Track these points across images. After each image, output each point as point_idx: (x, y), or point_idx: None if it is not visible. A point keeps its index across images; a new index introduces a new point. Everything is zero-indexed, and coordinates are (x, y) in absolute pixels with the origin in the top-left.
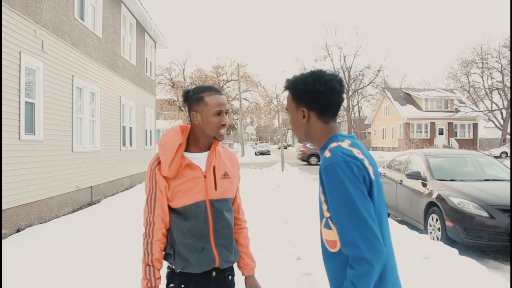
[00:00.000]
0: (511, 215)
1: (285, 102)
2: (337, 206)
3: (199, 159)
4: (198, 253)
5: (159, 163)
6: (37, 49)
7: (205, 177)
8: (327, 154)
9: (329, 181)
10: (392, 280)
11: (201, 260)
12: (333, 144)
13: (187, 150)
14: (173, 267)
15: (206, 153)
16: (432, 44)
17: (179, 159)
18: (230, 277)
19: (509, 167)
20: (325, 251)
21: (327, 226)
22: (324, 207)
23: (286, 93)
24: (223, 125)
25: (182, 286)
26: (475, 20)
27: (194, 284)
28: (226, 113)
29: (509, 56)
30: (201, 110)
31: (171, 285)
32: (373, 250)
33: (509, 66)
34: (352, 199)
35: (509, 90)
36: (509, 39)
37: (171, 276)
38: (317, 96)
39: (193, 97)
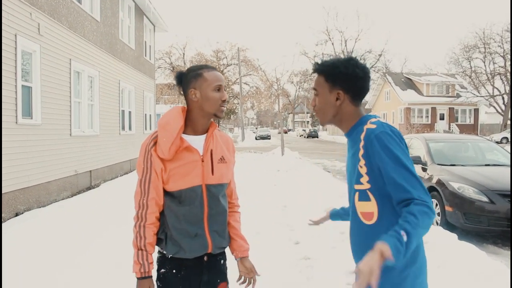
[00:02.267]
0: (511, 200)
1: (285, 87)
2: (391, 168)
3: (196, 141)
4: (191, 238)
5: (155, 143)
6: (34, 32)
7: (202, 161)
8: (371, 126)
9: (381, 148)
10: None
11: (194, 246)
12: (373, 119)
13: (184, 132)
14: (164, 252)
15: (204, 136)
16: (434, 28)
17: (178, 141)
18: (222, 261)
19: (510, 152)
20: (358, 226)
21: (365, 198)
22: (364, 179)
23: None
24: (224, 101)
25: (174, 271)
26: (478, 4)
27: (185, 268)
28: (225, 89)
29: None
30: (200, 86)
31: (162, 270)
32: (430, 200)
33: (511, 51)
34: (402, 161)
35: (511, 76)
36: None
37: (162, 261)
38: (355, 80)
39: (190, 75)
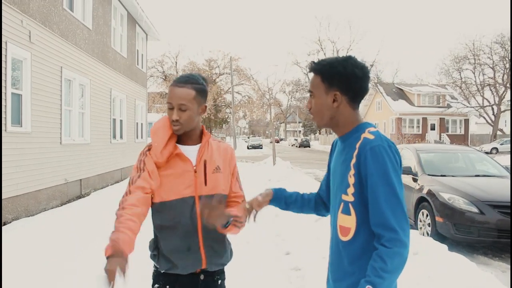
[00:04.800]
0: (511, 214)
1: (277, 96)
2: (377, 188)
3: (190, 151)
4: (183, 253)
5: (150, 149)
6: (24, 40)
7: (195, 171)
8: (369, 136)
9: (374, 163)
10: None
11: (186, 261)
12: (372, 129)
13: (178, 142)
14: (158, 267)
15: (197, 146)
16: (425, 39)
17: (171, 147)
18: (219, 281)
19: (500, 163)
20: (334, 239)
21: (347, 211)
22: (350, 190)
23: (310, 75)
24: (172, 121)
25: (167, 286)
26: (468, 16)
27: (180, 285)
28: (181, 109)
29: (501, 53)
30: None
31: (156, 285)
32: (407, 235)
33: (501, 63)
34: (393, 183)
35: (501, 87)
36: (501, 35)
37: (157, 276)
38: (354, 81)
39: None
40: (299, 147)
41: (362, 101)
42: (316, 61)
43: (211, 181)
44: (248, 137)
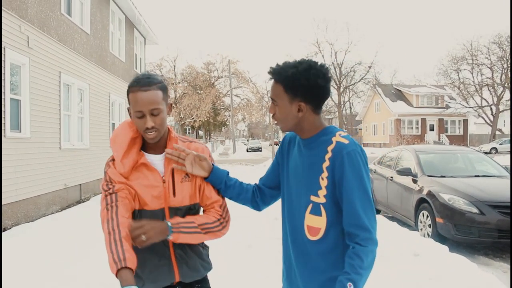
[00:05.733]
0: (511, 214)
1: None
2: (353, 191)
3: (156, 161)
4: (154, 267)
5: (113, 159)
6: (23, 45)
7: (163, 182)
8: (343, 140)
9: (350, 167)
10: None
11: (158, 276)
12: (342, 133)
13: (144, 149)
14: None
15: (163, 154)
16: (423, 40)
17: (134, 155)
18: None
19: (499, 163)
20: (297, 239)
21: (316, 212)
22: (322, 192)
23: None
24: (147, 129)
25: None
26: (466, 17)
27: None
28: (154, 113)
29: (499, 53)
30: (130, 107)
31: None
32: (376, 233)
33: (499, 63)
34: (366, 186)
35: (499, 87)
36: (499, 36)
37: None
38: (317, 91)
39: (127, 90)
40: None
41: (361, 102)
42: (275, 67)
43: (181, 192)
44: (247, 140)
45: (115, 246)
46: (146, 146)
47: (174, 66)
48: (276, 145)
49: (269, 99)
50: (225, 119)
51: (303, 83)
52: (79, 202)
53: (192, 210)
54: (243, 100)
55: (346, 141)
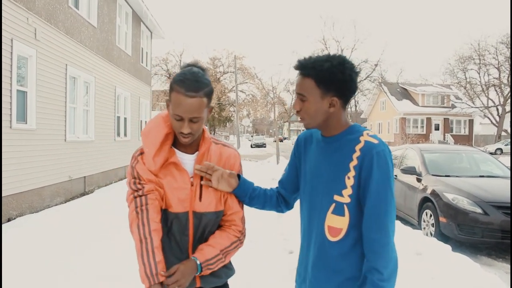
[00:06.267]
0: (511, 214)
1: (281, 95)
2: (380, 192)
3: (187, 161)
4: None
5: (142, 153)
6: (30, 37)
7: (192, 184)
8: (372, 140)
9: (379, 167)
10: None
11: None
12: (370, 132)
13: (174, 145)
14: None
15: (196, 154)
16: (430, 39)
17: (166, 153)
18: None
19: (504, 163)
20: (318, 239)
21: (339, 212)
22: (347, 191)
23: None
24: (182, 133)
25: None
26: (473, 16)
27: None
28: (194, 121)
29: (506, 53)
30: (170, 104)
31: None
32: (394, 242)
33: (506, 63)
34: (392, 188)
35: (506, 87)
36: (507, 36)
37: None
38: (351, 85)
39: (171, 82)
40: None
41: (366, 100)
42: (303, 61)
43: (207, 197)
44: (252, 136)
45: (147, 257)
46: (177, 143)
47: (180, 60)
48: (281, 141)
49: (274, 95)
50: (230, 115)
51: (339, 77)
52: (83, 194)
53: (218, 218)
54: (248, 96)
55: (375, 141)
